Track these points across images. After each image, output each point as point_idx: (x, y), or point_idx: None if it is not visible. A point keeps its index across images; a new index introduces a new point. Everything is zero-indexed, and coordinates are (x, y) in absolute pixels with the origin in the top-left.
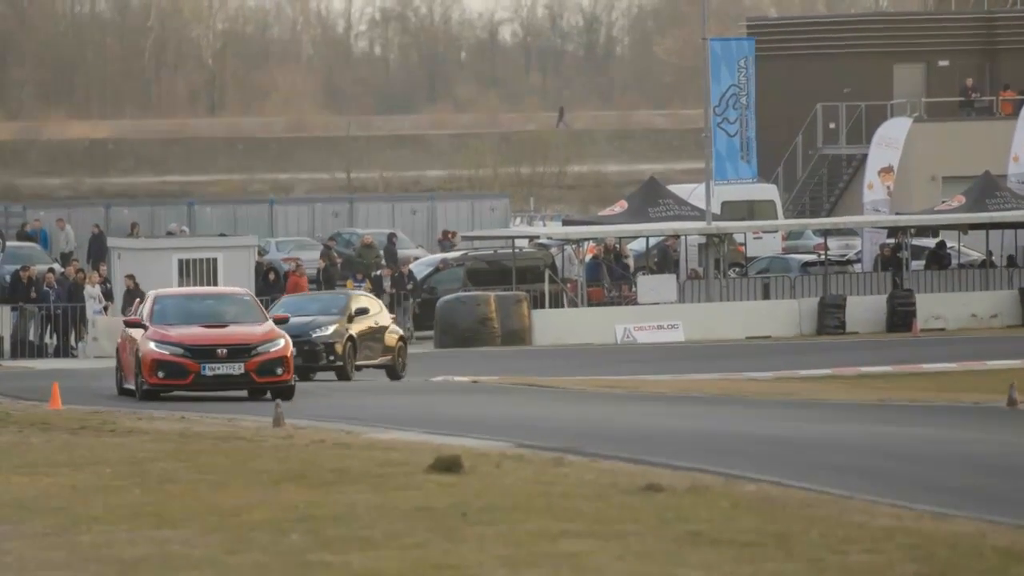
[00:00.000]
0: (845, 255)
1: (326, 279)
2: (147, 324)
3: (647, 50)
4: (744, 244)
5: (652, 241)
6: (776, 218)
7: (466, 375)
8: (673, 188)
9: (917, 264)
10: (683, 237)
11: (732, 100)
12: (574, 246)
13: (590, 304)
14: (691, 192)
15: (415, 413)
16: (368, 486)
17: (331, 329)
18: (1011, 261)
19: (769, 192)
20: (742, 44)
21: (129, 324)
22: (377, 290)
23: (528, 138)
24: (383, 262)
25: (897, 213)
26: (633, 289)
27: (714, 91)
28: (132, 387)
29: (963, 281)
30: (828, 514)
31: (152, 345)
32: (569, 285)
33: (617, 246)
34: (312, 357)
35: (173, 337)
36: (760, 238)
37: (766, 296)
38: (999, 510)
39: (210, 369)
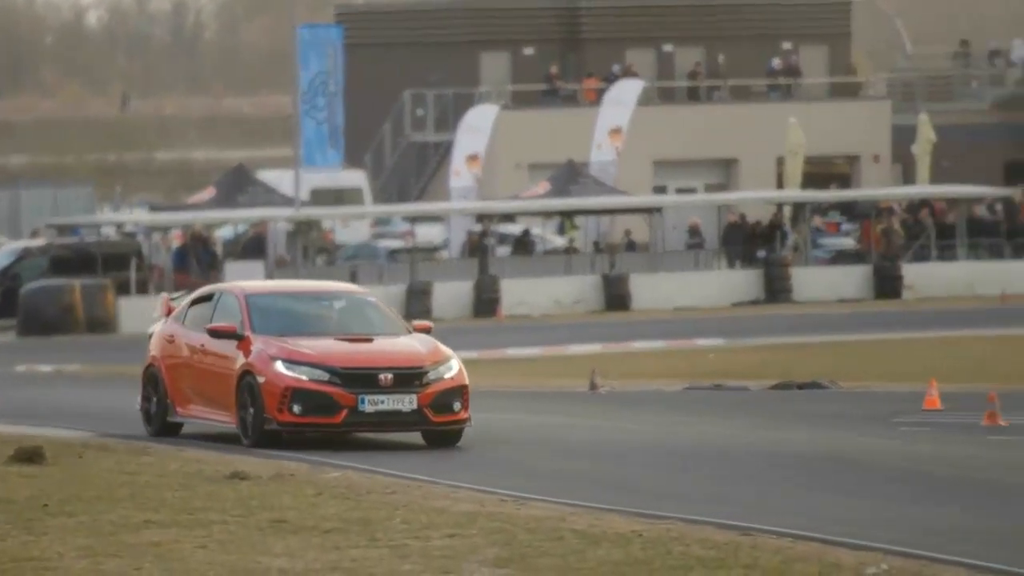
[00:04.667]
0: (433, 242)
1: None
2: (246, 334)
3: (235, 36)
4: (333, 231)
5: (243, 228)
6: (364, 205)
7: (49, 364)
8: (262, 175)
9: (503, 250)
10: (271, 224)
11: (321, 87)
12: (161, 233)
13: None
14: (280, 179)
15: None
16: None
17: None
18: (595, 247)
19: (357, 179)
20: (330, 31)
21: (216, 333)
22: None
23: (114, 124)
24: None
25: (484, 200)
26: (221, 276)
27: (302, 78)
28: (179, 419)
29: (547, 267)
30: (411, 499)
31: (281, 367)
32: (156, 272)
33: (205, 233)
34: None
35: (312, 355)
36: (349, 225)
37: (354, 283)
38: (580, 494)
39: (371, 403)
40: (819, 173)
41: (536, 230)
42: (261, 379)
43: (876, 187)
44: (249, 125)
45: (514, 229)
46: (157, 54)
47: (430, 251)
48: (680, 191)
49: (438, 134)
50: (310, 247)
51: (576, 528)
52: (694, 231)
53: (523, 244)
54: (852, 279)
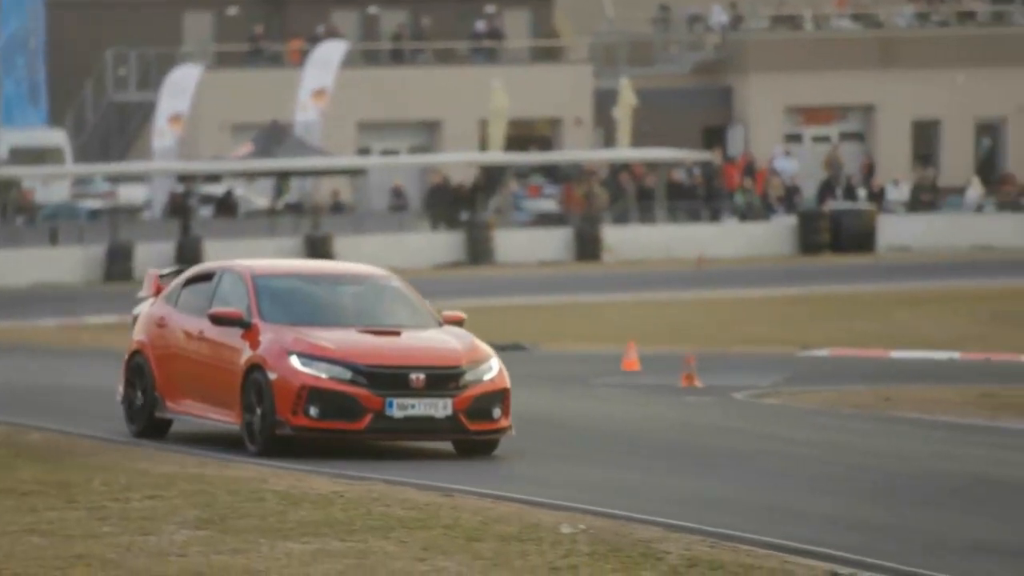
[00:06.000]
0: (135, 202)
1: None
2: (254, 321)
3: None
4: (33, 190)
5: None
6: (65, 164)
7: None
8: None
9: (206, 211)
10: None
11: (20, 45)
12: None
13: None
14: None
15: None
16: None
17: None
18: (295, 208)
19: (58, 138)
20: None
21: (218, 319)
22: None
23: None
24: None
25: (186, 160)
26: None
27: (1, 35)
28: (169, 416)
29: (251, 228)
30: (113, 461)
31: (296, 362)
32: None
33: None
34: None
35: (333, 350)
36: (49, 185)
37: (54, 243)
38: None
39: (400, 407)
40: (521, 136)
41: (239, 191)
42: (272, 375)
43: (578, 150)
44: None
45: (217, 190)
46: None
47: (132, 211)
48: (384, 153)
49: (141, 94)
50: (9, 206)
51: (277, 489)
52: (398, 193)
53: (226, 205)
54: (553, 241)
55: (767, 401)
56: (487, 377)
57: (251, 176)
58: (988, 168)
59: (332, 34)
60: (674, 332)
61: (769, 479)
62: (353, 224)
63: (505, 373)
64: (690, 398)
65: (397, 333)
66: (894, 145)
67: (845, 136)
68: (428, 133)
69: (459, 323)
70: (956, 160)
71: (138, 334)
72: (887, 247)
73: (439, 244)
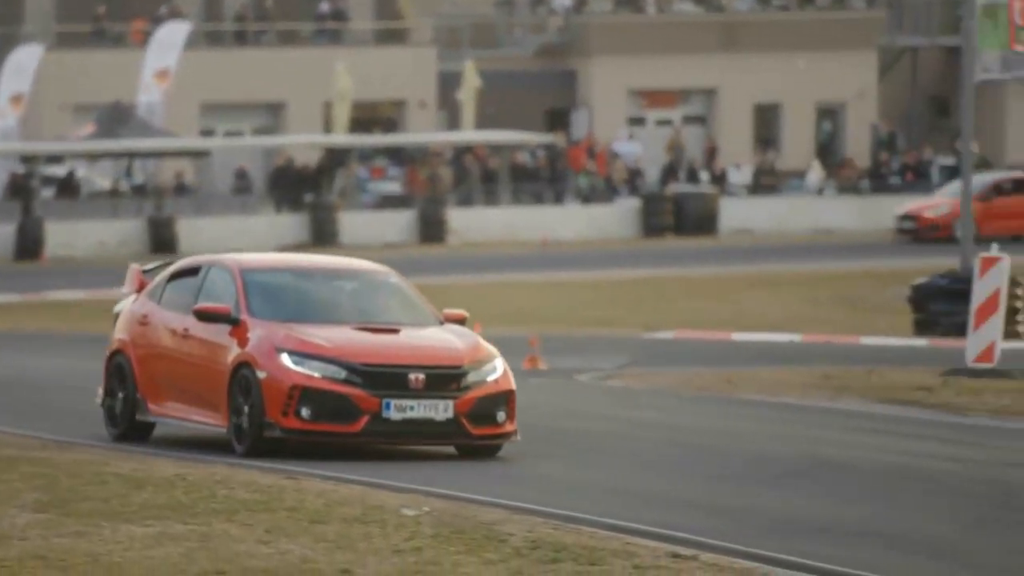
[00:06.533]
0: None
1: None
2: (242, 318)
3: None
4: None
5: None
6: None
7: None
8: None
9: (48, 192)
10: None
11: None
12: None
13: None
14: None
15: None
16: None
17: None
18: (139, 190)
19: None
20: None
21: (204, 315)
22: None
23: None
24: None
25: (28, 141)
26: None
27: None
28: (152, 419)
29: (93, 210)
30: None
31: (287, 360)
32: None
33: None
34: None
35: (326, 347)
36: None
37: None
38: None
39: (397, 409)
40: (365, 118)
41: (81, 172)
42: (261, 374)
43: (422, 132)
44: None
45: (59, 171)
46: None
47: None
48: (228, 134)
49: None
50: None
51: (120, 472)
52: (241, 174)
53: (68, 186)
54: (397, 223)
55: (611, 383)
56: (491, 378)
57: (93, 157)
58: (828, 152)
59: (175, 15)
60: (518, 314)
61: (612, 461)
62: (197, 206)
63: (510, 374)
64: (534, 380)
65: (395, 331)
66: (736, 128)
67: (687, 119)
68: (272, 114)
69: (461, 321)
70: (797, 144)
71: (119, 332)
72: (729, 230)
73: (283, 226)
